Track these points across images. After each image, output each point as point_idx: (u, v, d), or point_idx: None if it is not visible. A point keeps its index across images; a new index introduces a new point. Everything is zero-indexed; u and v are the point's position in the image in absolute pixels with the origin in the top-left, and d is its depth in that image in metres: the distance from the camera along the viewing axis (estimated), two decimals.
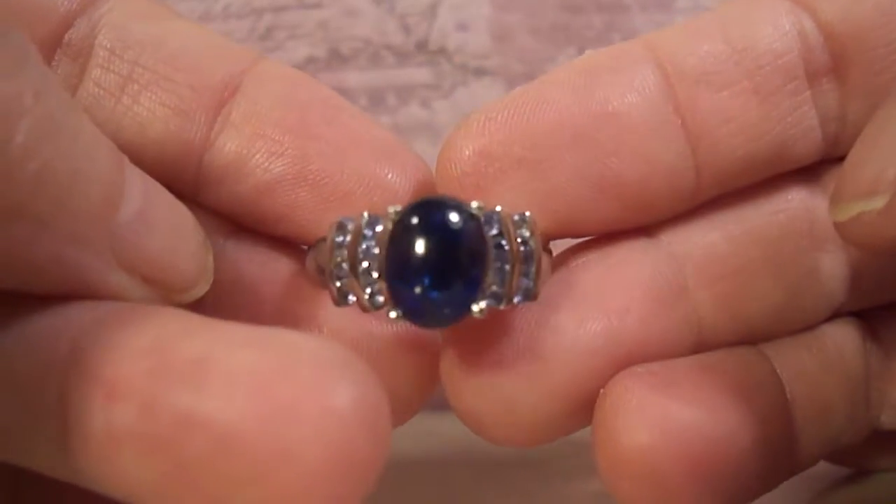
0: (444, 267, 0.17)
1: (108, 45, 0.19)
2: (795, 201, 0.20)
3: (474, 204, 0.17)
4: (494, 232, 0.17)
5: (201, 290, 0.17)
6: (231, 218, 0.20)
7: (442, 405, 0.30)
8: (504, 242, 0.17)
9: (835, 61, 0.19)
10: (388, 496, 0.23)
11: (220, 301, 0.19)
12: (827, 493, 0.22)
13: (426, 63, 0.32)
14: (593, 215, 0.18)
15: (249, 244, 0.20)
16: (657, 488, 0.17)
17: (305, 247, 0.19)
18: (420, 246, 0.16)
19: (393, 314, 0.17)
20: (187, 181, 0.19)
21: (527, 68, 0.31)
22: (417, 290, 0.16)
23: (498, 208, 0.17)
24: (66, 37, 0.19)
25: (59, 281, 0.15)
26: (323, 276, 0.18)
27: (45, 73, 0.14)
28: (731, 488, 0.17)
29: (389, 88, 0.32)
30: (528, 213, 0.17)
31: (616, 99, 0.18)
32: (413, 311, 0.17)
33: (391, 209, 0.17)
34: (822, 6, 0.19)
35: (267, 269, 0.19)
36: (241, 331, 0.14)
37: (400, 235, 0.17)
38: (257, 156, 0.19)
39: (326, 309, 0.19)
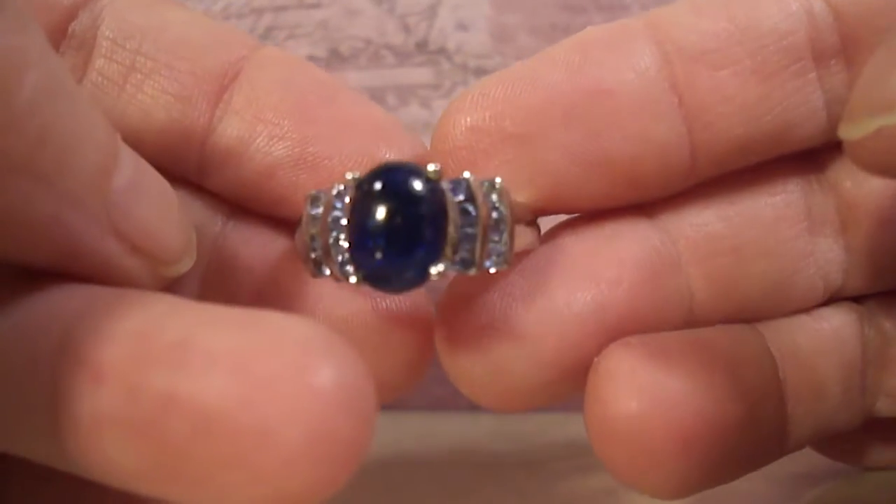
0: (402, 231, 0.17)
1: (111, 35, 0.19)
2: (793, 184, 0.20)
3: (430, 167, 0.17)
4: (461, 198, 0.17)
5: (186, 265, 0.18)
6: (234, 201, 0.20)
7: (442, 405, 0.30)
8: (471, 208, 0.17)
9: (843, 43, 0.19)
10: (388, 496, 0.23)
11: (219, 282, 0.19)
12: (824, 491, 0.22)
13: (426, 63, 0.32)
14: (583, 192, 0.19)
15: (250, 226, 0.20)
16: (644, 455, 0.17)
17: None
18: (379, 211, 0.17)
19: (353, 279, 0.17)
20: (190, 166, 0.19)
21: None
22: (376, 254, 0.17)
23: (466, 174, 0.17)
24: (70, 28, 0.19)
25: (55, 244, 0.15)
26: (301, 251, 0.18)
27: (45, 38, 0.15)
28: (717, 461, 0.17)
29: (389, 88, 0.32)
30: (498, 180, 0.17)
31: (610, 76, 0.18)
32: (373, 276, 0.17)
33: (349, 175, 0.17)
34: None
35: (266, 250, 0.20)
36: (224, 312, 0.14)
37: (360, 202, 0.17)
38: (258, 140, 0.19)
39: (321, 288, 0.19)
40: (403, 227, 0.17)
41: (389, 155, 0.19)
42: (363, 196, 0.17)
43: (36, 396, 0.14)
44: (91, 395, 0.13)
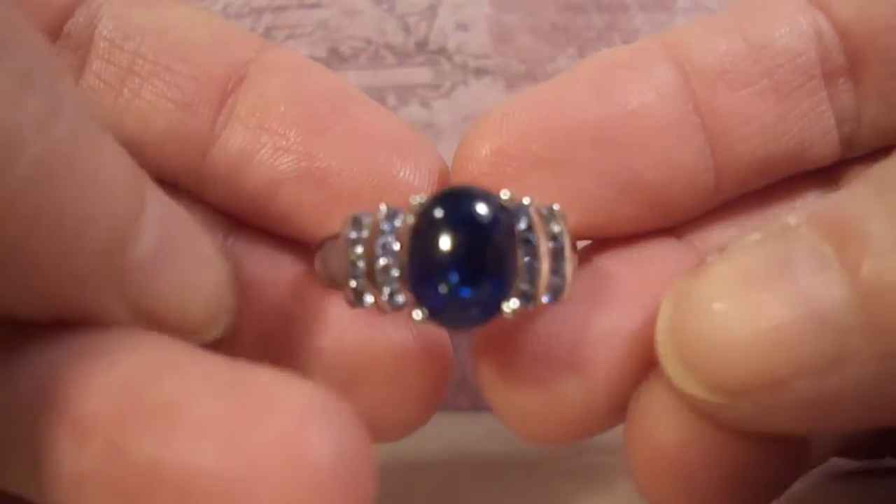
0: (473, 264, 0.15)
1: (108, 35, 0.18)
2: (811, 200, 0.20)
3: (504, 194, 0.16)
4: (523, 226, 0.16)
5: (217, 331, 0.16)
6: (235, 216, 0.19)
7: (442, 406, 0.30)
8: (532, 238, 0.16)
9: (850, 62, 0.19)
10: (387, 497, 0.23)
11: None
12: (828, 486, 0.22)
13: (426, 63, 0.32)
14: (614, 217, 0.18)
15: (250, 243, 0.19)
16: (690, 486, 0.17)
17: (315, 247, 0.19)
18: (446, 241, 0.15)
19: (418, 315, 0.16)
20: (190, 177, 0.19)
21: (527, 68, 0.31)
22: (443, 289, 0.15)
23: (526, 200, 0.16)
24: (66, 27, 0.18)
25: (55, 313, 0.14)
26: (333, 277, 0.17)
27: (54, 93, 0.13)
28: (755, 490, 0.17)
29: (389, 88, 0.32)
30: (557, 207, 0.16)
31: (636, 98, 0.18)
32: (438, 312, 0.16)
33: (414, 200, 0.16)
34: (837, 5, 0.19)
35: (267, 270, 0.19)
36: (214, 371, 0.13)
37: (424, 229, 0.16)
38: (262, 152, 0.18)
39: (330, 313, 0.18)
40: (473, 259, 0.15)
41: (404, 172, 0.18)
42: (427, 223, 0.15)
43: (15, 444, 0.13)
44: (73, 451, 0.13)
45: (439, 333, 0.18)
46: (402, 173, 0.18)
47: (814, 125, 0.19)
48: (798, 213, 0.16)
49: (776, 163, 0.19)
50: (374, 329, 0.18)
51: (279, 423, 0.12)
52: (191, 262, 0.16)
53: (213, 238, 0.17)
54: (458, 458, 0.26)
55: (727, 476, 0.17)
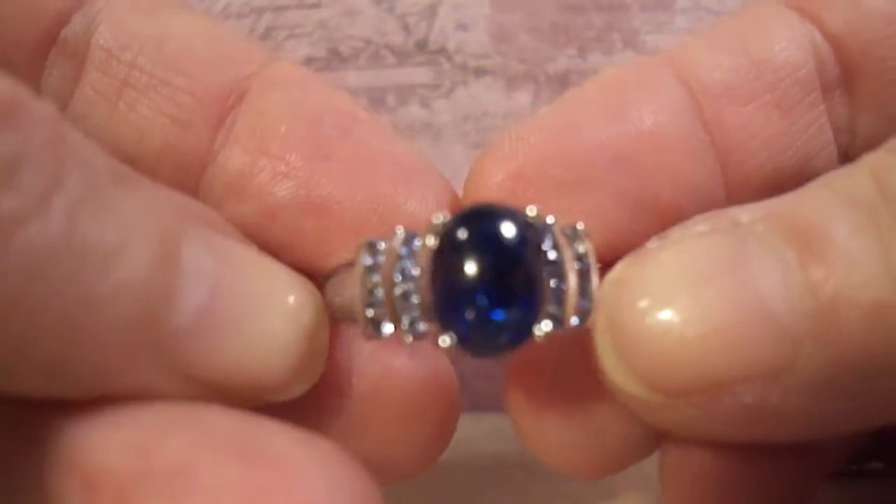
0: (501, 287, 0.15)
1: (105, 45, 0.17)
2: None
3: (530, 211, 0.15)
4: (548, 246, 0.15)
5: (307, 384, 0.15)
6: None
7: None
8: (557, 258, 0.15)
9: (844, 74, 0.18)
10: (387, 497, 0.23)
11: None
12: (822, 490, 0.22)
13: (426, 63, 0.32)
14: (629, 237, 0.18)
15: None
16: None
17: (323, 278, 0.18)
18: (472, 264, 0.15)
19: (445, 341, 0.15)
20: None
21: (527, 68, 0.31)
22: (470, 314, 0.15)
23: (550, 220, 0.16)
24: (62, 34, 0.18)
25: (92, 395, 0.13)
26: (346, 308, 0.16)
27: (48, 171, 0.12)
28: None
29: (389, 88, 0.32)
30: (581, 226, 0.16)
31: (650, 117, 0.18)
32: (466, 339, 0.15)
33: (437, 219, 0.15)
34: (827, 18, 0.18)
35: None
36: (225, 429, 0.13)
37: (447, 252, 0.15)
38: (261, 175, 0.17)
39: (340, 349, 0.17)
40: (502, 282, 0.15)
41: (411, 203, 0.17)
42: (450, 245, 0.15)
43: (24, 493, 0.13)
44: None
45: (447, 372, 0.18)
46: (407, 204, 0.17)
47: (815, 138, 0.19)
48: (748, 211, 0.15)
49: (783, 177, 0.19)
50: (384, 368, 0.17)
51: (292, 491, 0.12)
52: (260, 313, 0.15)
53: (295, 273, 0.15)
54: (459, 459, 0.26)
55: (761, 495, 0.17)
